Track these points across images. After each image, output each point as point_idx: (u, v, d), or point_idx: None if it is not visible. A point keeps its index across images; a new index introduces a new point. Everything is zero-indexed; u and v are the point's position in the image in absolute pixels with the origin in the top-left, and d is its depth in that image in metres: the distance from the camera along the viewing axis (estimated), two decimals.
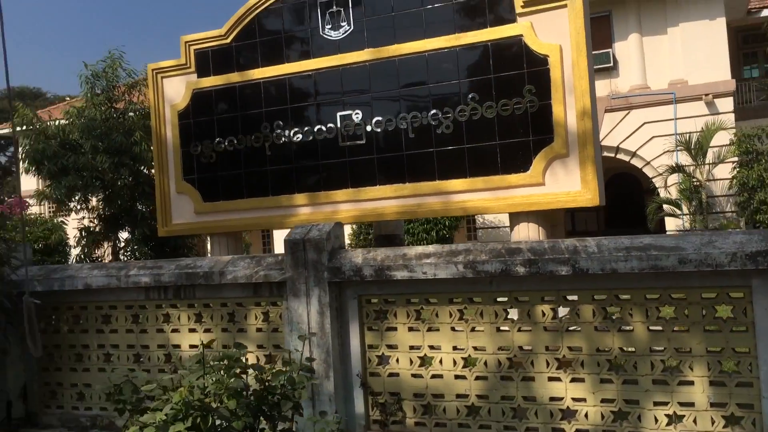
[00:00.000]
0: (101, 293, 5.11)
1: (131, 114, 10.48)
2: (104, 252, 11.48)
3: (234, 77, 7.23)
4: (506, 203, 6.35)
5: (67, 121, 10.42)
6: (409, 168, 6.44)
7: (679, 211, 16.75)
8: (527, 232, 6.33)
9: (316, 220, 6.51)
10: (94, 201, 10.96)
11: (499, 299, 4.05)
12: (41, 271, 5.31)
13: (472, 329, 4.10)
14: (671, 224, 17.53)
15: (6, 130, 26.97)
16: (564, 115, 6.07)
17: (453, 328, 4.15)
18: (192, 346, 4.87)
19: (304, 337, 3.78)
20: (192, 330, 4.88)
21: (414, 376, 4.23)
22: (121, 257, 10.61)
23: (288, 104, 6.96)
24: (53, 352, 5.38)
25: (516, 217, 6.60)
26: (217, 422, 2.88)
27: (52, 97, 65.89)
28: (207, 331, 4.83)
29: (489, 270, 3.90)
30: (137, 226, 10.04)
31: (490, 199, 6.39)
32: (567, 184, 6.22)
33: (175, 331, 4.93)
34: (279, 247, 23.34)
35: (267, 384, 3.24)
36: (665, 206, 16.68)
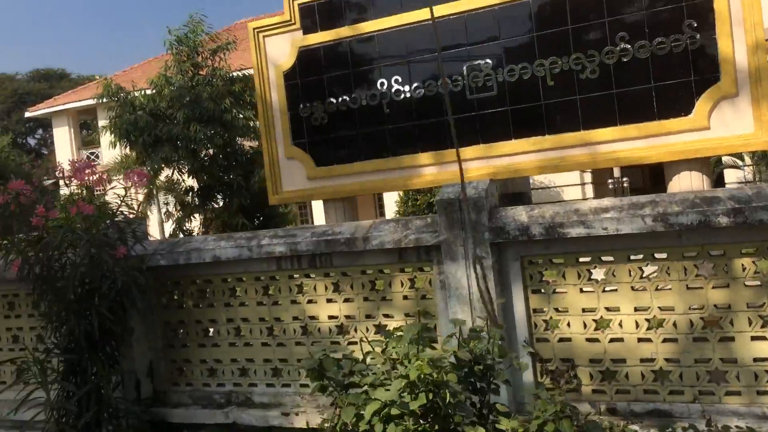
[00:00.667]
0: (228, 265, 4.86)
1: (217, 80, 10.17)
2: (194, 225, 11.32)
3: (344, 32, 6.82)
4: (665, 151, 5.93)
5: (152, 91, 10.15)
6: (548, 119, 6.04)
7: (741, 162, 16.14)
8: (689, 182, 5.93)
9: (444, 180, 6.19)
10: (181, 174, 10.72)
11: (687, 254, 3.70)
12: (163, 245, 5.08)
13: (657, 288, 3.77)
14: (731, 177, 16.97)
15: (88, 101, 26.71)
16: (732, 50, 5.61)
17: (633, 288, 3.82)
18: (331, 317, 4.62)
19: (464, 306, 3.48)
20: (330, 300, 4.62)
21: (589, 340, 3.92)
22: (211, 230, 10.44)
23: (406, 57, 6.56)
24: (178, 328, 5.19)
25: (674, 166, 6.20)
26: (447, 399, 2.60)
27: (77, 77, 66.00)
28: (347, 300, 4.57)
29: (683, 222, 3.54)
30: (232, 197, 9.82)
31: (645, 147, 5.98)
32: (737, 126, 5.77)
33: (311, 302, 4.68)
34: (390, 212, 22.82)
35: (475, 355, 2.95)
36: (725, 158, 16.06)
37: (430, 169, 6.52)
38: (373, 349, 3.18)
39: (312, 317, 4.68)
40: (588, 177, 19.49)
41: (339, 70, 6.84)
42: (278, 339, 4.79)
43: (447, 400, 2.52)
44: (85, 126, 42.19)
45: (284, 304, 4.76)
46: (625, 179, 16.62)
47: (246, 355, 4.92)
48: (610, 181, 16.87)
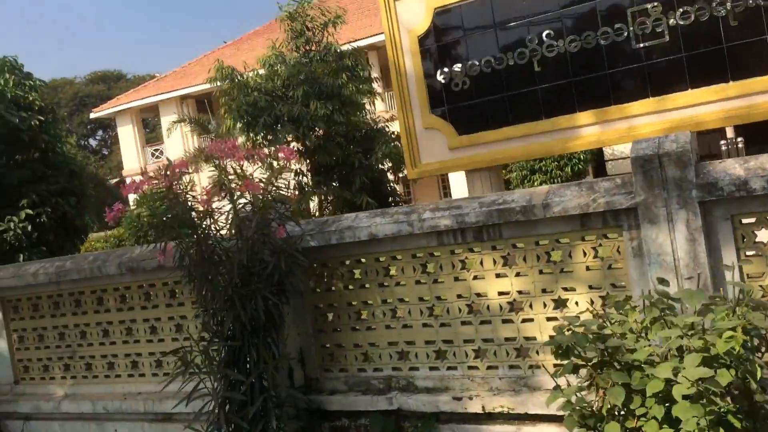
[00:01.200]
0: (383, 243, 4.56)
1: (329, 55, 9.91)
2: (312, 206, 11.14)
3: None
4: None
5: (264, 71, 9.98)
6: (732, 63, 5.52)
7: None
8: None
9: (608, 140, 5.78)
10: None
11: None
12: (310, 225, 4.82)
13: None
14: None
15: (150, 99, 26.94)
16: None
17: None
18: (501, 293, 4.28)
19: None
20: (500, 275, 4.28)
21: None
22: (326, 212, 10.26)
23: (558, 9, 6.11)
24: (327, 312, 4.94)
25: None
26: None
27: (134, 77, 67.34)
28: (519, 275, 4.22)
29: None
30: (353, 175, 9.58)
31: None
32: None
33: (477, 278, 4.35)
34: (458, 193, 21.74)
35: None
36: None
37: (591, 129, 5.97)
38: (610, 323, 2.82)
39: (479, 294, 4.35)
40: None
41: (481, 30, 6.37)
42: (440, 319, 4.48)
43: (759, 376, 2.16)
44: (145, 125, 42.81)
45: (447, 281, 4.45)
46: (740, 140, 15.69)
47: (405, 337, 4.63)
48: (723, 142, 15.95)
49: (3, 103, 9.00)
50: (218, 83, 9.60)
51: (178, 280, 4.90)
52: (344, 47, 10.04)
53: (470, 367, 4.42)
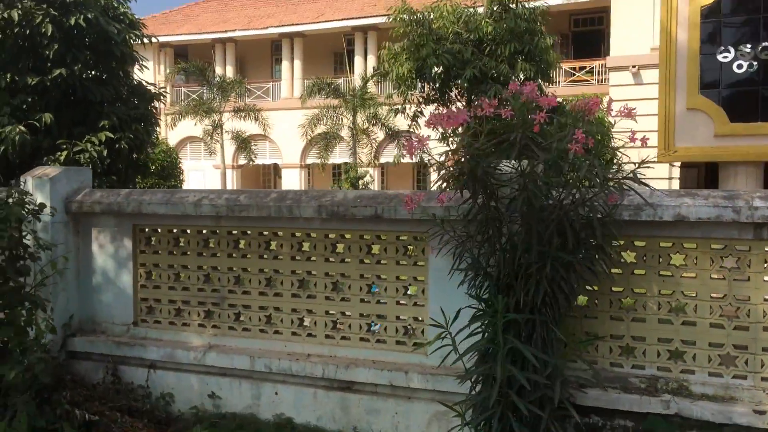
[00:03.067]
0: (690, 227, 4.05)
1: (525, 14, 9.17)
2: None
3: None
4: None
5: (461, 21, 9.16)
6: None
7: None
8: None
9: None
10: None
11: None
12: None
13: None
14: None
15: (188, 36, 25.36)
16: None
17: None
18: None
19: None
20: None
21: None
22: None
23: None
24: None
25: None
26: None
27: None
28: None
29: None
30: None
31: None
32: None
33: None
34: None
35: None
36: None
37: None
38: None
39: None
40: (676, 171, 18.79)
41: None
42: (736, 321, 4.02)
43: None
44: None
45: (754, 279, 3.99)
46: None
47: (683, 335, 4.15)
48: None
49: (95, 10, 7.94)
50: (403, 18, 8.78)
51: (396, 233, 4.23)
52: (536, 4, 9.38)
53: (764, 379, 3.99)
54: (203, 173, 33.69)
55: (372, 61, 30.74)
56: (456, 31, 9.05)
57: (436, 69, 8.83)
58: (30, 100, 7.82)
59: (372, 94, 22.97)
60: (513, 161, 3.70)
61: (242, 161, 32.37)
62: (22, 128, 7.48)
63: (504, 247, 3.75)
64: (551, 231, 3.51)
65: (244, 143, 24.00)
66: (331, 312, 5.01)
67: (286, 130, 29.51)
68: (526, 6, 9.10)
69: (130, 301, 5.59)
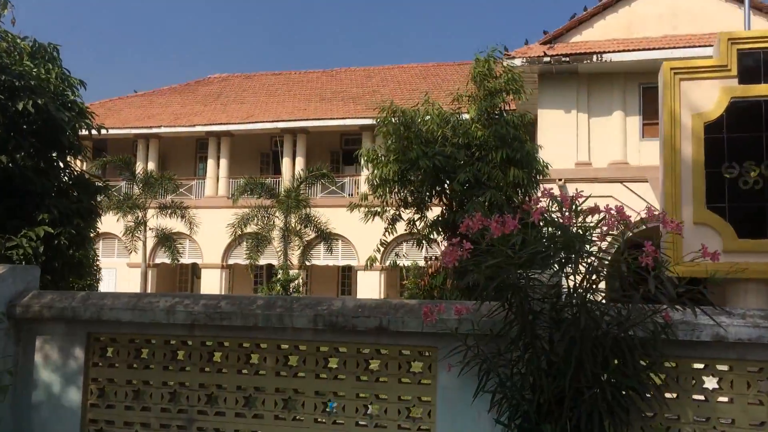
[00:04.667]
0: (711, 347, 3.86)
1: (511, 120, 9.09)
2: None
3: None
4: None
5: (449, 124, 8.94)
6: None
7: None
8: None
9: None
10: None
11: None
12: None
13: None
14: None
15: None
16: None
17: None
18: None
19: None
20: None
21: None
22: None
23: None
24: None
25: None
26: None
27: None
28: None
29: None
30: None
31: None
32: None
33: None
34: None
35: None
36: None
37: None
38: None
39: None
40: None
41: None
42: None
43: None
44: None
45: None
46: None
47: None
48: None
49: (45, 96, 7.33)
50: (389, 120, 8.56)
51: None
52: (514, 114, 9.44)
53: None
54: (115, 271, 31.95)
55: (300, 162, 30.86)
56: (444, 134, 9.09)
57: (419, 173, 8.73)
58: None
59: (304, 195, 22.80)
60: (547, 274, 3.45)
61: (158, 260, 31.01)
62: None
63: (545, 369, 3.42)
64: (607, 351, 3.22)
65: (167, 241, 22.96)
66: None
67: (207, 229, 28.67)
68: (513, 114, 9.31)
69: (77, 423, 4.80)
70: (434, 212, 10.35)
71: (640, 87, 21.18)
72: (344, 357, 4.45)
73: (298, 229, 21.10)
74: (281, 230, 21.02)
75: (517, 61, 18.59)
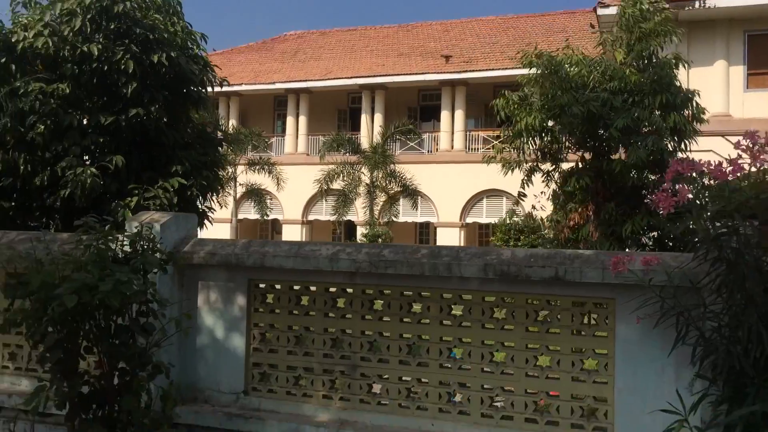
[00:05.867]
0: None
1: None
2: None
3: None
4: None
5: (598, 70, 8.80)
6: None
7: None
8: None
9: None
10: None
11: None
12: None
13: None
14: None
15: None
16: None
17: None
18: None
19: None
20: None
21: None
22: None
23: None
24: None
25: None
26: None
27: None
28: None
29: None
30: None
31: None
32: None
33: None
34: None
35: None
36: None
37: None
38: None
39: None
40: None
41: None
42: None
43: None
44: None
45: None
46: None
47: None
48: None
49: (176, 49, 7.47)
50: (537, 64, 8.45)
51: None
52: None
53: None
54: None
55: (379, 119, 30.73)
56: (597, 79, 8.79)
57: (569, 120, 8.45)
58: (101, 140, 7.25)
59: (387, 151, 22.73)
60: None
61: (241, 215, 31.75)
62: (94, 170, 6.89)
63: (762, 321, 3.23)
64: None
65: (254, 196, 23.41)
66: (487, 387, 4.41)
67: (288, 185, 29.06)
68: (668, 57, 8.90)
69: (240, 367, 4.94)
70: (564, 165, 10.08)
71: (746, 35, 19.99)
72: (512, 307, 4.37)
73: (384, 185, 21.11)
74: (366, 186, 21.08)
75: (612, 9, 17.78)
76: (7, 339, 5.41)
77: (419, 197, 28.28)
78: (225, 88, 33.63)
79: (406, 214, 28.28)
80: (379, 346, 4.66)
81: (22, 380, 5.37)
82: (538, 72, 8.91)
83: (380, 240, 20.57)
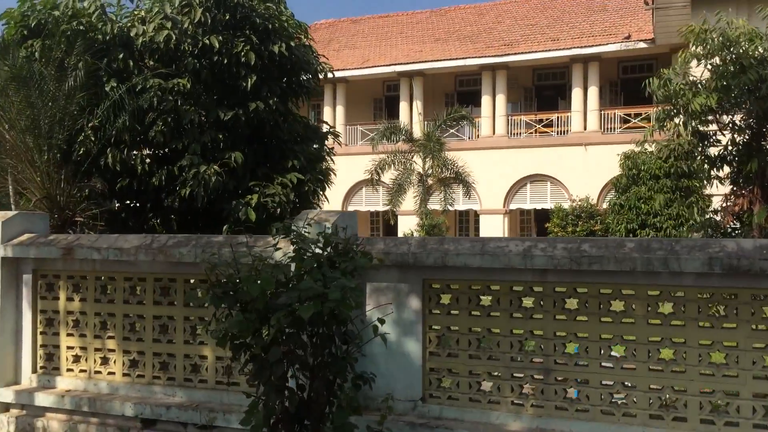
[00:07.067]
0: None
1: None
2: None
3: None
4: None
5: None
6: None
7: None
8: None
9: None
10: None
11: None
12: None
13: None
14: None
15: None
16: None
17: None
18: None
19: None
20: None
21: None
22: None
23: None
24: None
25: None
26: None
27: None
28: None
29: None
30: None
31: None
32: None
33: None
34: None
35: None
36: None
37: None
38: None
39: None
40: None
41: None
42: None
43: None
44: None
45: None
46: None
47: None
48: None
49: (281, 39, 7.10)
50: (710, 39, 8.02)
51: None
52: None
53: None
54: None
55: (418, 106, 30.21)
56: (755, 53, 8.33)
57: (755, 97, 8.01)
58: (220, 137, 6.94)
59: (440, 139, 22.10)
60: None
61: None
62: (216, 168, 6.59)
63: None
64: None
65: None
66: (706, 390, 4.06)
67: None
68: None
69: (417, 372, 4.62)
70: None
71: None
72: (735, 303, 4.01)
73: (438, 173, 20.70)
74: (419, 175, 20.67)
75: None
76: (158, 348, 5.16)
77: (460, 184, 27.52)
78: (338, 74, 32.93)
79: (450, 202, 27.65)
80: (587, 349, 4.31)
81: (176, 391, 5.11)
82: (707, 48, 8.44)
83: (435, 230, 20.19)
